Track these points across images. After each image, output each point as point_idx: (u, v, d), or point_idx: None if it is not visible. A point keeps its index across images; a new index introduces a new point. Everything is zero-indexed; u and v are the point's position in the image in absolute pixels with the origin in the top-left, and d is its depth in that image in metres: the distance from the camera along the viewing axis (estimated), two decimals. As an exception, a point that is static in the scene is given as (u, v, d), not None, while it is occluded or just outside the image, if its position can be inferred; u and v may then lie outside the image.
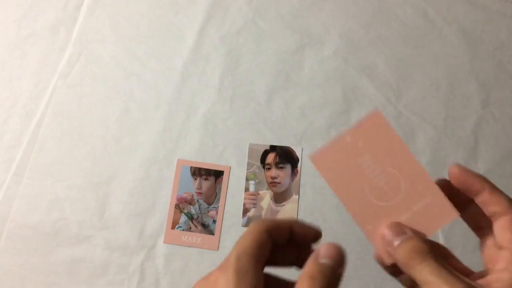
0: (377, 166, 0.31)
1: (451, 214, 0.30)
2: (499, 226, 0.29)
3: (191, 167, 0.70)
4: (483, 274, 0.29)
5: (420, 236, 0.29)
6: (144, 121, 0.72)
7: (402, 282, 0.32)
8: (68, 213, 0.68)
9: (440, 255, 0.28)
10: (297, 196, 0.69)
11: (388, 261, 0.30)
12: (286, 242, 0.31)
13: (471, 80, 0.73)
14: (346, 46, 0.75)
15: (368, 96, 0.73)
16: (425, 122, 0.72)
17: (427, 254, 0.27)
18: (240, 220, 0.68)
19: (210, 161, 0.70)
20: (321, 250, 0.28)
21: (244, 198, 0.69)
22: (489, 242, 0.30)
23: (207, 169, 0.70)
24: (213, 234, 0.68)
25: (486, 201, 0.29)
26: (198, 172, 0.70)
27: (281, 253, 0.31)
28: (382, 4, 0.77)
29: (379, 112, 0.31)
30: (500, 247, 0.29)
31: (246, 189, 0.70)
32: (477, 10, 0.76)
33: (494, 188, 0.29)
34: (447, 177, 0.31)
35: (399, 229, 0.30)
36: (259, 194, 0.70)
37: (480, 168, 0.69)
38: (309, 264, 0.27)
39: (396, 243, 0.29)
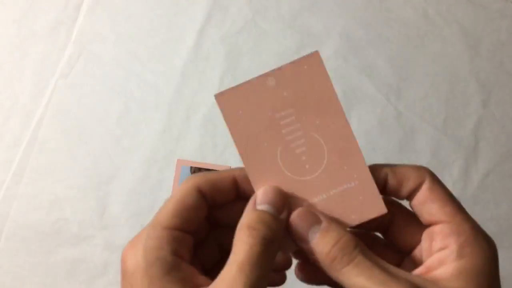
0: (300, 127, 0.24)
1: (378, 208, 0.24)
2: (420, 200, 0.24)
3: (191, 167, 0.70)
4: (414, 261, 0.25)
5: (339, 225, 0.23)
6: (144, 121, 0.72)
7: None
8: (68, 213, 0.68)
9: (365, 244, 0.22)
10: (297, 196, 0.69)
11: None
12: (233, 199, 0.25)
13: (471, 80, 0.73)
14: (346, 46, 0.75)
15: (368, 96, 0.73)
16: (425, 122, 0.72)
17: (354, 249, 0.21)
18: (240, 220, 0.68)
19: (210, 161, 0.70)
20: (258, 195, 0.23)
21: (244, 198, 0.69)
22: (400, 227, 0.25)
23: (207, 169, 0.70)
24: (213, 234, 0.68)
25: (395, 184, 0.24)
26: (198, 172, 0.70)
27: (230, 211, 0.25)
28: (382, 4, 0.77)
29: (318, 55, 0.24)
30: (428, 223, 0.24)
31: (246, 189, 0.70)
32: (477, 10, 0.76)
33: (394, 165, 0.24)
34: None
35: (311, 217, 0.23)
36: (259, 194, 0.70)
37: (480, 168, 0.69)
38: (247, 213, 0.23)
39: (310, 238, 0.22)
